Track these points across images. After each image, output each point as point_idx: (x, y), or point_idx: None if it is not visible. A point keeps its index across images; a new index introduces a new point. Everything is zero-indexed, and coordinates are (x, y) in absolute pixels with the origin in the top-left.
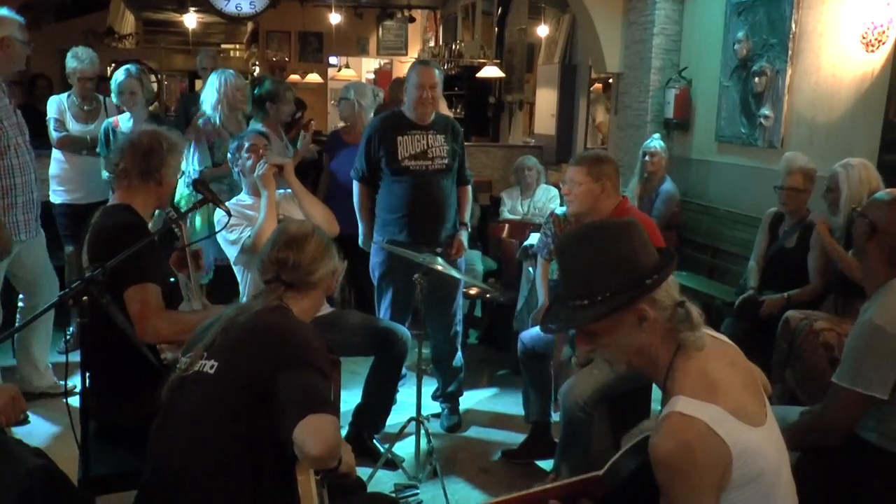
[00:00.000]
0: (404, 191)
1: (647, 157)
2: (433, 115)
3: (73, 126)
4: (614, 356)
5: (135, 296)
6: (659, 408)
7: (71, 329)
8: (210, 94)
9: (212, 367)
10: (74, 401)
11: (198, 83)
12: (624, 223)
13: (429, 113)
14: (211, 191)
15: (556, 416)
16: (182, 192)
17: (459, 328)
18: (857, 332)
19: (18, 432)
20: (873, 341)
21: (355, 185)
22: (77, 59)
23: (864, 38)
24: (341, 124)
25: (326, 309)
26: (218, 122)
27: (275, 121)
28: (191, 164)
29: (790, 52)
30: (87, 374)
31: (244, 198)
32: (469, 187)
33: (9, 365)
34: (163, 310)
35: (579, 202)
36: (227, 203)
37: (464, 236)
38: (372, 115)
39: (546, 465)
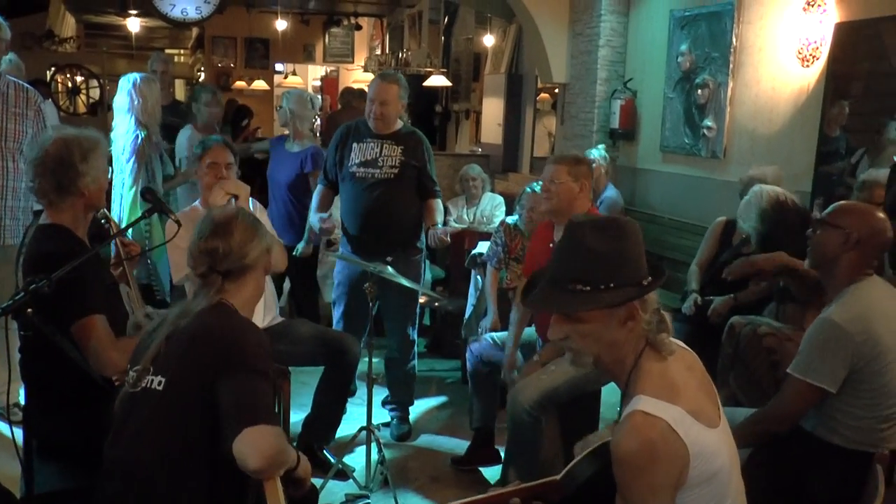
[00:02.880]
0: (348, 196)
1: None
2: (397, 126)
3: None
4: (587, 347)
5: (82, 333)
6: (608, 415)
7: None
8: (131, 101)
9: (159, 383)
10: None
11: None
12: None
13: (379, 126)
14: (159, 199)
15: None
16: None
17: (414, 337)
18: (817, 327)
19: None
20: (830, 336)
21: (318, 189)
22: None
23: (799, 53)
24: (285, 131)
25: (277, 319)
26: (150, 131)
27: (201, 122)
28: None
29: (731, 66)
30: (29, 391)
31: (198, 206)
32: (437, 201)
33: None
34: (113, 340)
35: (558, 199)
36: (181, 210)
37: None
38: (307, 122)
39: (491, 471)
